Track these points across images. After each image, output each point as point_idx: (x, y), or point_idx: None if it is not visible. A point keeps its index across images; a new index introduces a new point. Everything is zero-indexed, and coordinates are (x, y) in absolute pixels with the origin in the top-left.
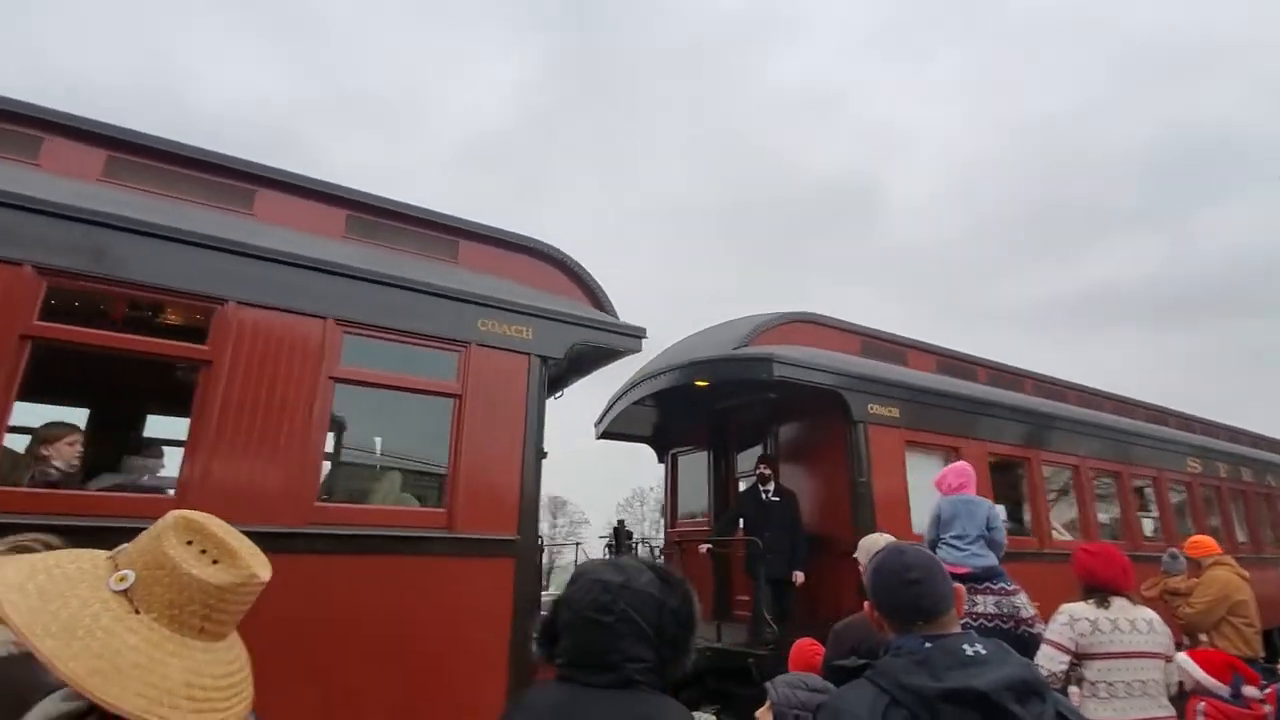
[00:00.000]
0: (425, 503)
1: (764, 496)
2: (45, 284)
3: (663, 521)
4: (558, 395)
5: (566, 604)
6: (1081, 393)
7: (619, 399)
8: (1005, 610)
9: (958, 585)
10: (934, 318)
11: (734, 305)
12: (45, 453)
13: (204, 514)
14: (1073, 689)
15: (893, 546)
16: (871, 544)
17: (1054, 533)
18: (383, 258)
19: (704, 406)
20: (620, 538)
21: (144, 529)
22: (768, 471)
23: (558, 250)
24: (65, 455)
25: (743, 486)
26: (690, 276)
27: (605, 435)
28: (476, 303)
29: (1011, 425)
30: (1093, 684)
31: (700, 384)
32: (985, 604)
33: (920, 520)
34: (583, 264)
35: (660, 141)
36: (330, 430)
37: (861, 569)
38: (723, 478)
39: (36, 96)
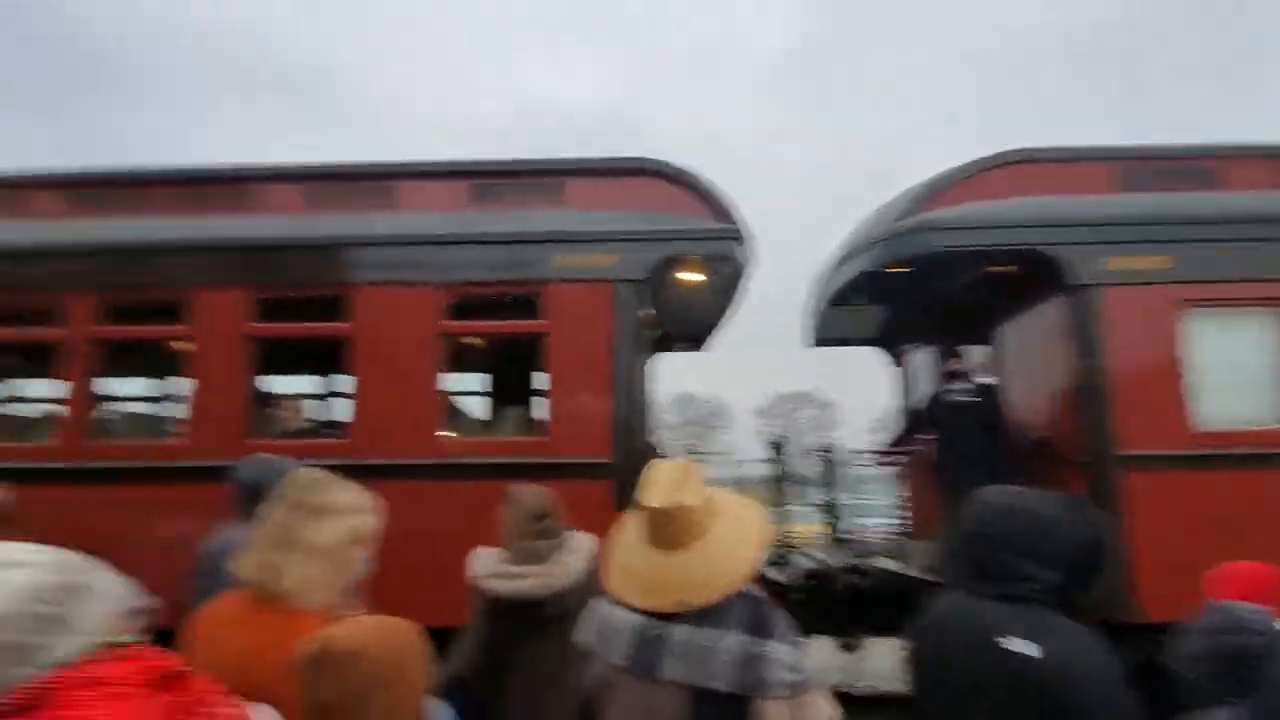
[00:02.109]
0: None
1: (953, 397)
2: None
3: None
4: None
5: (966, 522)
6: None
7: (813, 302)
8: None
9: None
10: None
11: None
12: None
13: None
14: None
15: None
16: None
17: None
18: (498, 217)
19: (921, 293)
20: (779, 450)
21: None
22: (956, 367)
23: (661, 163)
24: None
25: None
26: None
27: (823, 343)
28: (546, 241)
29: None
30: None
31: (894, 269)
32: None
33: (1221, 414)
34: (697, 171)
35: None
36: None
37: None
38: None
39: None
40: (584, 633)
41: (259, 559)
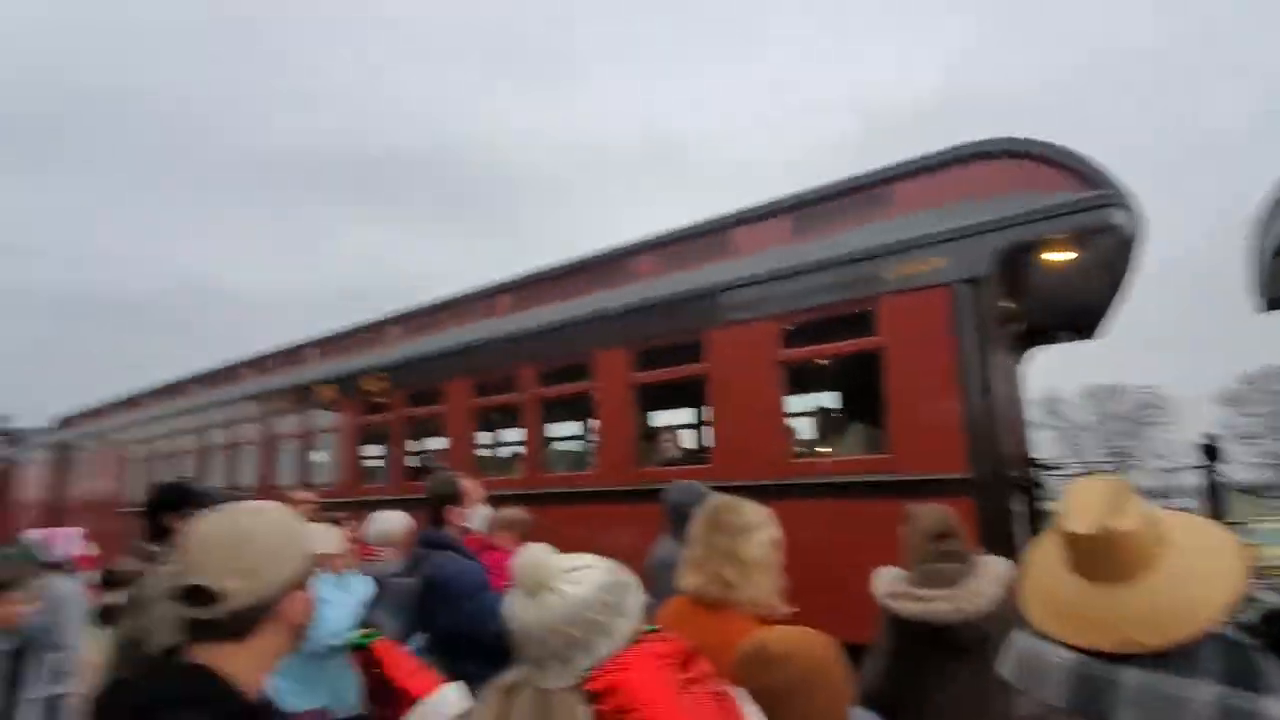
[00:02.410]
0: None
1: None
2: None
3: None
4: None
5: None
6: None
7: (1259, 252)
8: None
9: None
10: None
11: None
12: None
13: None
14: None
15: None
16: None
17: None
18: (823, 242)
19: None
20: (1214, 453)
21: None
22: None
23: (997, 142)
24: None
25: None
26: None
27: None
28: (867, 257)
29: None
30: None
31: None
32: None
33: None
34: (1043, 142)
35: None
36: None
37: None
38: None
39: None
40: (1005, 666)
41: (709, 572)
